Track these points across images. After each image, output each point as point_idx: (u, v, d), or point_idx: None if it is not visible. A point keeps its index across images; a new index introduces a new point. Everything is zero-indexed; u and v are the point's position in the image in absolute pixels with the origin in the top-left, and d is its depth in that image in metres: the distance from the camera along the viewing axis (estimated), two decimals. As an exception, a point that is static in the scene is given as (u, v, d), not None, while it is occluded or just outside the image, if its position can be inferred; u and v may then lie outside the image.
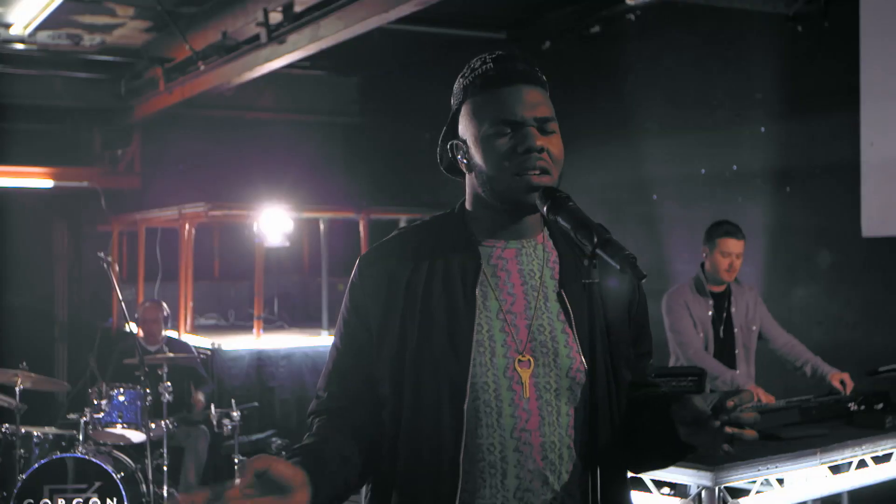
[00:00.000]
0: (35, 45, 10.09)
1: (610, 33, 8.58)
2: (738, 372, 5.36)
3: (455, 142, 2.12)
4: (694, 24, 7.81)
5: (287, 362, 8.92)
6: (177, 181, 11.35)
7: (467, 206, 2.15)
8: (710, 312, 5.50)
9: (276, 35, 7.35)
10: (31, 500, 6.20)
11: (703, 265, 5.59)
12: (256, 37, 7.72)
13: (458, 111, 2.12)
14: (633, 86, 8.31)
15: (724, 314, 5.54)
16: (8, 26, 9.51)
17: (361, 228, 9.52)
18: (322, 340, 9.23)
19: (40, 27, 9.49)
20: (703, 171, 7.75)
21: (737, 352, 5.53)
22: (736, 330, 5.55)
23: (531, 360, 2.02)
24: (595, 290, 1.86)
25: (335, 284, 9.89)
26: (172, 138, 11.64)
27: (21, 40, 10.00)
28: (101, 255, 6.61)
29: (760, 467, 4.03)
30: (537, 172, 2.01)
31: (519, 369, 2.01)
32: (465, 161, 2.10)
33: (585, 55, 8.86)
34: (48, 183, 11.19)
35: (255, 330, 9.23)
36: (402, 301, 2.02)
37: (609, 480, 2.03)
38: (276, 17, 7.44)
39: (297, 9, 7.16)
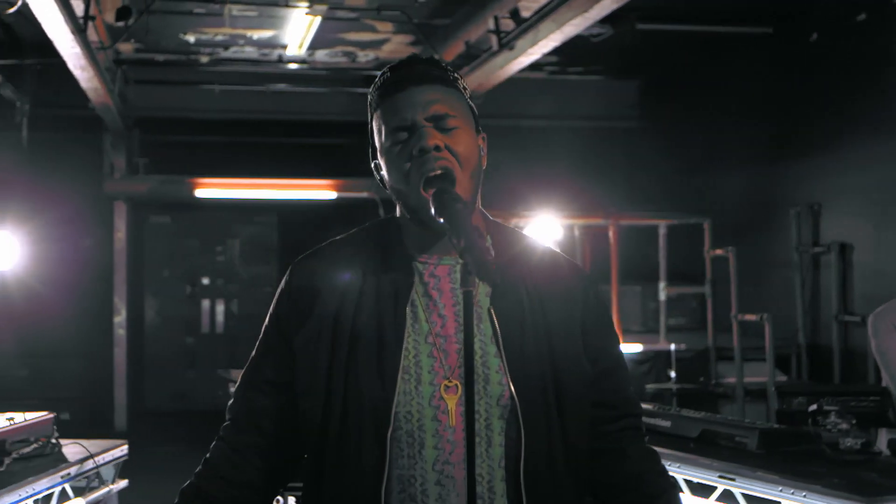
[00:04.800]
0: (308, 64, 10.70)
1: (876, 21, 7.92)
2: None
3: (375, 161, 2.00)
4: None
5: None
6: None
7: (400, 219, 2.01)
8: None
9: (505, 42, 7.37)
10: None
11: None
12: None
13: (371, 129, 2.01)
14: (900, 76, 7.61)
15: None
16: (284, 47, 10.15)
17: (611, 235, 9.32)
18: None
19: (315, 47, 10.07)
20: (975, 166, 6.96)
21: None
22: None
23: (458, 385, 1.87)
24: (470, 299, 1.68)
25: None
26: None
27: (303, 60, 10.65)
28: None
29: (940, 501, 3.52)
30: (438, 174, 1.86)
31: (445, 396, 1.87)
32: (384, 178, 1.98)
33: (851, 45, 8.23)
34: (332, 194, 11.77)
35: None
36: (332, 317, 1.92)
37: None
38: (509, 24, 7.46)
39: (524, 14, 7.14)
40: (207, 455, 2.05)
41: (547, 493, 1.87)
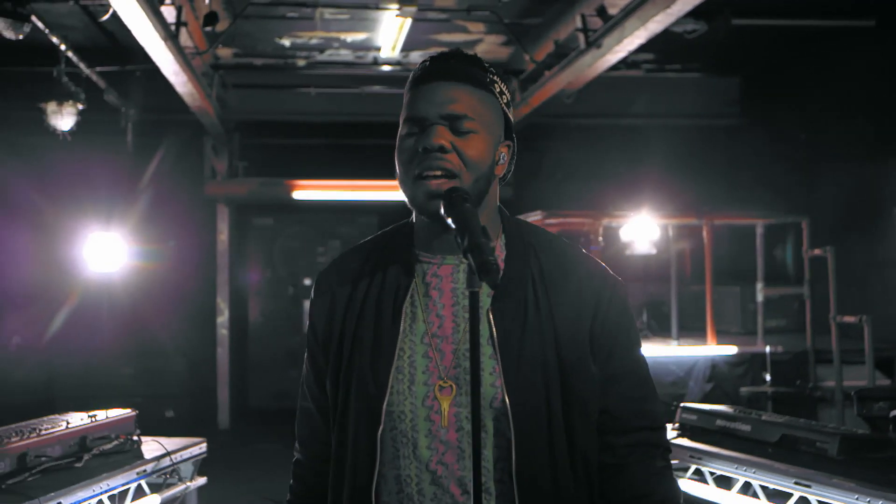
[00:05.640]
0: (402, 66, 10.75)
1: (983, 10, 7.61)
2: None
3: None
4: None
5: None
6: (551, 189, 11.52)
7: (415, 221, 2.00)
8: None
9: (592, 40, 7.29)
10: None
11: None
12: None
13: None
14: None
15: None
16: (378, 49, 10.22)
17: (705, 235, 9.14)
18: (672, 350, 8.98)
19: (408, 48, 10.10)
20: None
21: None
22: None
23: (453, 386, 1.85)
24: (476, 299, 1.65)
25: (699, 293, 9.57)
26: (546, 147, 11.80)
27: (397, 62, 10.70)
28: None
29: None
30: (438, 174, 1.83)
31: (439, 396, 1.85)
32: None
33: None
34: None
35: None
36: (340, 321, 1.95)
37: None
38: (596, 22, 7.39)
39: (611, 11, 7.06)
40: (291, 481, 2.11)
41: (546, 498, 1.83)
